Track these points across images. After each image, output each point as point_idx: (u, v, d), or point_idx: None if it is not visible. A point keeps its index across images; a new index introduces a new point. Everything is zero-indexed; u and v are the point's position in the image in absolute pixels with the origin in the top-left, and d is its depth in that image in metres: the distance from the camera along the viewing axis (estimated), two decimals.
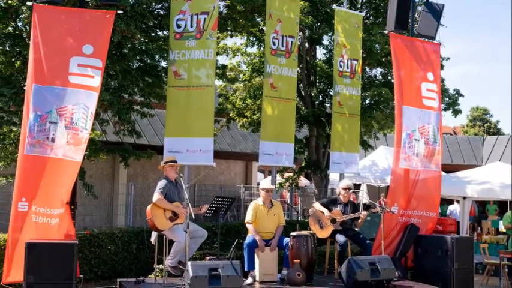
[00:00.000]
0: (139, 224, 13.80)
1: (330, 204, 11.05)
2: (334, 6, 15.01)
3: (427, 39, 12.73)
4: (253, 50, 16.89)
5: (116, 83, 12.98)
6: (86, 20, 9.78)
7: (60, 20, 9.68)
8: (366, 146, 18.41)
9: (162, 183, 9.59)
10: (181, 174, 9.91)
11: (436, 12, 12.69)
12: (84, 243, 11.01)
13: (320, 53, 17.64)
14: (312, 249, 9.99)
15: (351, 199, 11.36)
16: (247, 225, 10.28)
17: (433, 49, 12.76)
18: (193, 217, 9.31)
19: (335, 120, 13.80)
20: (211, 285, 8.31)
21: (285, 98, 12.66)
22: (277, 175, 16.29)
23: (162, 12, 13.14)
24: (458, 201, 18.29)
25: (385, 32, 13.20)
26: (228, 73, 16.27)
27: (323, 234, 10.79)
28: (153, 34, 13.33)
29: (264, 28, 13.93)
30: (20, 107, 10.77)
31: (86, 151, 9.89)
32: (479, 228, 20.70)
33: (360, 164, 16.94)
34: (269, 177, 11.92)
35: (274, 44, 12.50)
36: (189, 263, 8.49)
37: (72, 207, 9.54)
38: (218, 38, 15.02)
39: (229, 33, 15.82)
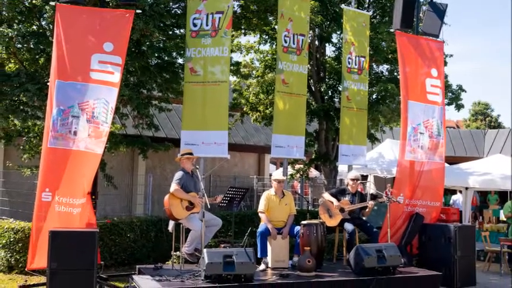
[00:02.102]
0: (157, 213, 13.77)
1: (339, 194, 11.02)
2: (342, 5, 14.92)
3: (431, 37, 12.65)
4: (266, 47, 16.83)
5: (135, 79, 12.95)
6: (107, 18, 9.73)
7: (82, 18, 9.63)
8: (373, 139, 18.30)
9: (178, 174, 9.54)
10: (197, 166, 9.87)
11: (440, 12, 12.62)
12: (104, 231, 11.02)
13: (329, 51, 17.52)
14: (321, 237, 9.94)
15: (359, 189, 11.29)
16: (260, 214, 10.24)
17: (436, 47, 12.67)
18: (209, 207, 9.26)
19: (344, 115, 13.72)
20: (225, 271, 8.29)
21: (296, 93, 12.58)
22: (289, 167, 16.23)
23: (179, 12, 13.07)
24: (461, 192, 18.26)
25: (391, 30, 13.16)
26: (241, 69, 16.22)
27: (332, 222, 10.74)
28: (170, 32, 13.25)
29: (276, 27, 13.82)
30: (44, 102, 10.73)
31: (106, 144, 9.86)
32: (480, 217, 20.59)
33: (367, 156, 16.85)
34: (281, 169, 11.83)
35: (285, 41, 12.42)
36: (204, 250, 8.47)
37: (94, 197, 9.54)
38: (232, 36, 14.96)
39: (243, 31, 15.75)
